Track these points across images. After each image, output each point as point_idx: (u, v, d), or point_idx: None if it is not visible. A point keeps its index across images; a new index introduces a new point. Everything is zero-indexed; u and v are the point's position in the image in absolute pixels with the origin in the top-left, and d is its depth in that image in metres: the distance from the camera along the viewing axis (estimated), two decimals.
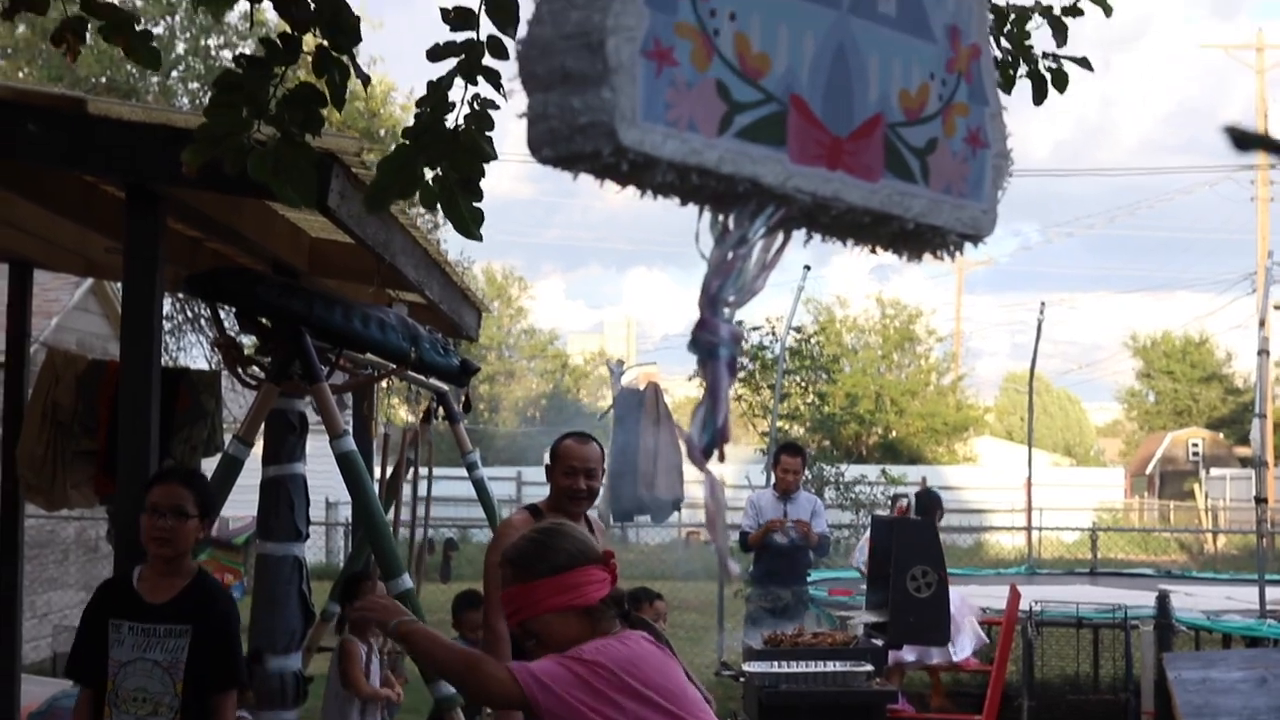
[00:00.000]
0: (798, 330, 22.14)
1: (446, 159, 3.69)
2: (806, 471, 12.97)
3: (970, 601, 9.45)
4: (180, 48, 22.89)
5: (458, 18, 3.77)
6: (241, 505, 14.66)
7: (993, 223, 2.10)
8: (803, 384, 23.64)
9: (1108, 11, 4.81)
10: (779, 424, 18.54)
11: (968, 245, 2.13)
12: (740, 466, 26.19)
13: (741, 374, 21.82)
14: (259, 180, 3.57)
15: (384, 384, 8.76)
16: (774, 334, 21.25)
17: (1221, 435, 52.66)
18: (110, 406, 8.11)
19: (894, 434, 44.78)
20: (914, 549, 7.28)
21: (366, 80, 3.63)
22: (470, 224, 3.73)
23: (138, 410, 5.15)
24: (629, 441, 11.02)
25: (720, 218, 1.89)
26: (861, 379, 43.46)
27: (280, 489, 6.60)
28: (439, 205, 3.71)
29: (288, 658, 6.66)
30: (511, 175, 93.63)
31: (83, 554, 17.54)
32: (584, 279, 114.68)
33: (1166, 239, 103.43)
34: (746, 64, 1.83)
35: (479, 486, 8.40)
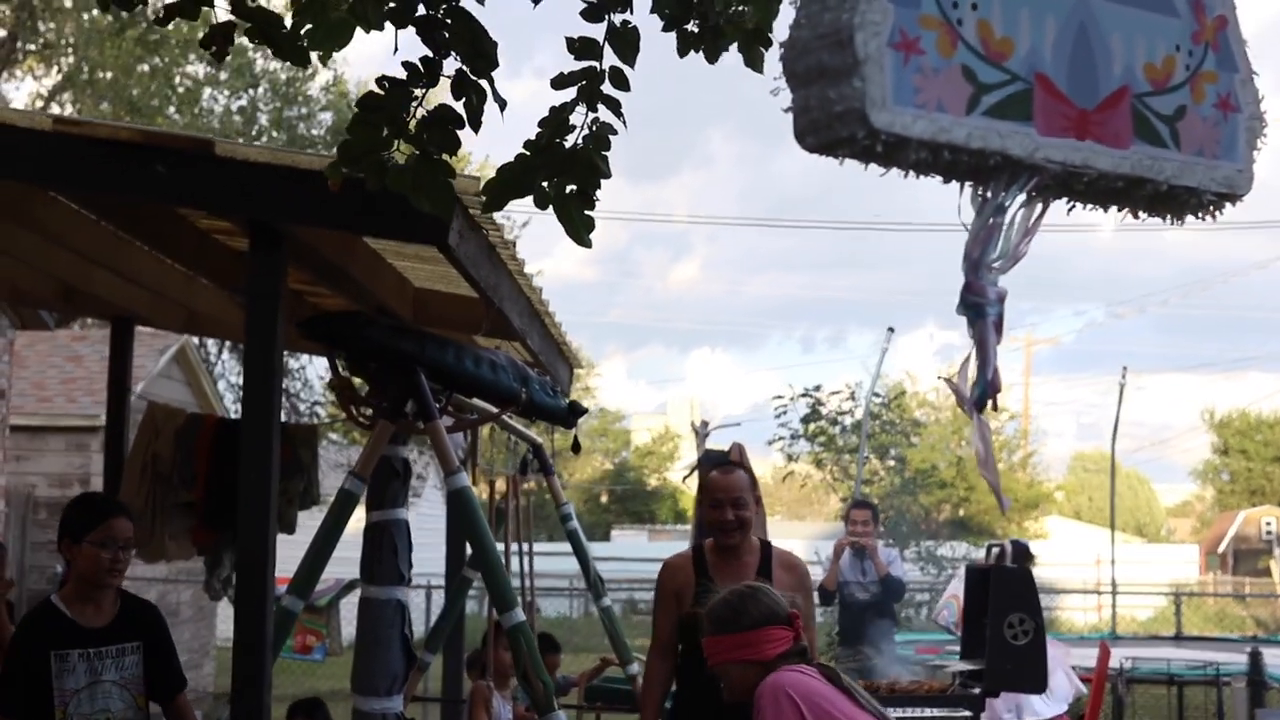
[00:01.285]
0: (878, 395, 22.17)
1: (563, 173, 3.83)
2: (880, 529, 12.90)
3: (1062, 651, 9.42)
4: (264, 119, 23.30)
5: (582, 47, 3.93)
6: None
7: (1249, 181, 2.20)
8: (881, 449, 23.62)
9: None
10: (862, 488, 18.52)
11: (1219, 208, 2.22)
12: (811, 542, 26.12)
13: (821, 438, 21.87)
14: (399, 191, 3.71)
15: (487, 433, 8.87)
16: (853, 398, 21.26)
17: None
18: (208, 459, 8.26)
19: (962, 511, 44.49)
20: (1011, 596, 7.25)
21: (503, 104, 3.75)
22: (581, 230, 3.87)
23: (259, 438, 5.23)
24: None
25: (979, 190, 2.01)
26: (931, 454, 43.28)
27: (384, 534, 6.70)
28: (553, 209, 3.85)
29: (390, 699, 6.72)
30: (574, 259, 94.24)
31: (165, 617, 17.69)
32: (646, 359, 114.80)
33: (1236, 318, 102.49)
34: (990, 48, 1.95)
35: (573, 537, 8.47)
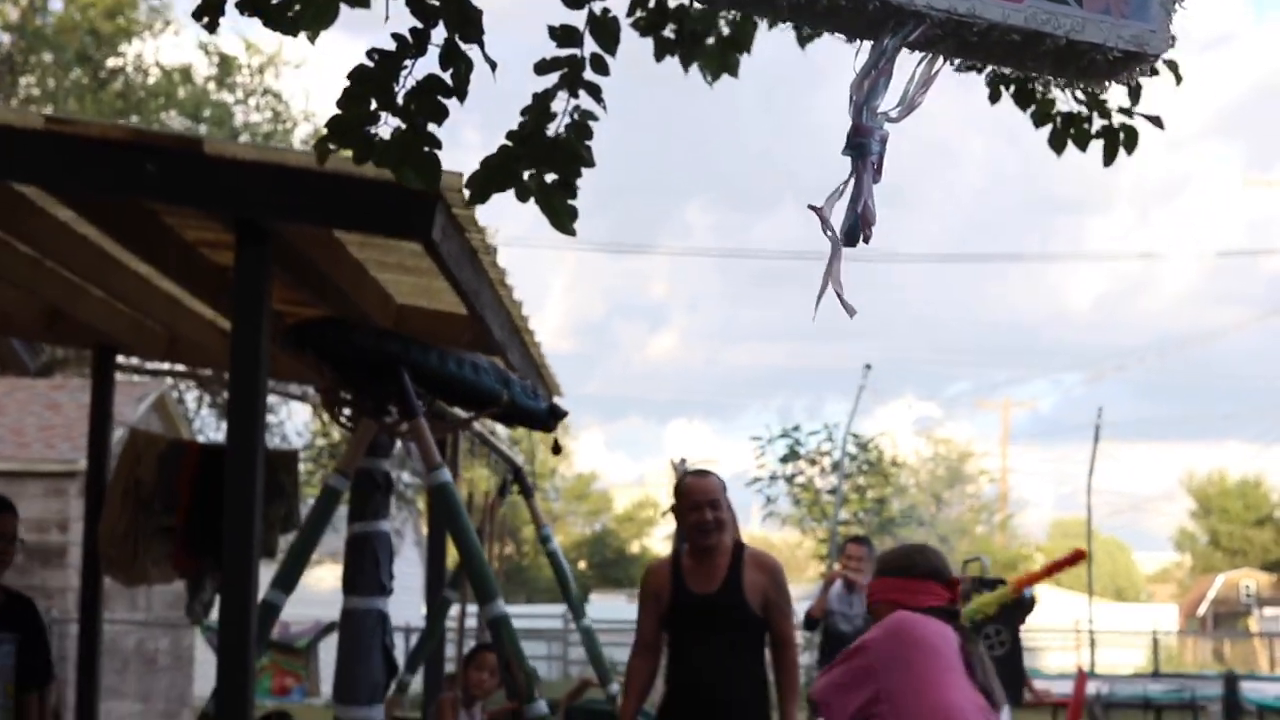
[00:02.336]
0: (856, 436, 22.26)
1: (546, 163, 3.94)
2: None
3: None
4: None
5: (563, 35, 4.05)
6: (303, 607, 14.76)
7: (1164, 42, 2.21)
8: (859, 490, 23.70)
9: (1178, 80, 4.99)
10: (839, 529, 18.58)
11: (1130, 70, 2.25)
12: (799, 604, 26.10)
13: (800, 479, 21.93)
14: (385, 166, 3.80)
15: (466, 445, 8.93)
16: (831, 438, 21.33)
17: (1278, 578, 52.13)
18: (190, 484, 8.31)
19: None
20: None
21: (494, 65, 3.85)
22: (564, 218, 3.97)
23: (245, 426, 5.32)
24: None
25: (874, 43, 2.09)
26: (918, 532, 43.36)
27: (366, 545, 6.76)
28: (535, 200, 3.95)
29: (371, 709, 6.76)
30: (551, 331, 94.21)
31: (141, 664, 17.65)
32: (625, 430, 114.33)
33: (1214, 386, 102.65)
34: None
35: (553, 559, 8.54)
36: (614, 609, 47.21)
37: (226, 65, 23.10)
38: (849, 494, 21.82)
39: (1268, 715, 10.94)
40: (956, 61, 2.16)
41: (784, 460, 21.72)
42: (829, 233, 2.06)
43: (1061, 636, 32.79)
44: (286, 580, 5.95)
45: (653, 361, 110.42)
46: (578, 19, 4.08)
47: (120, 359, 21.45)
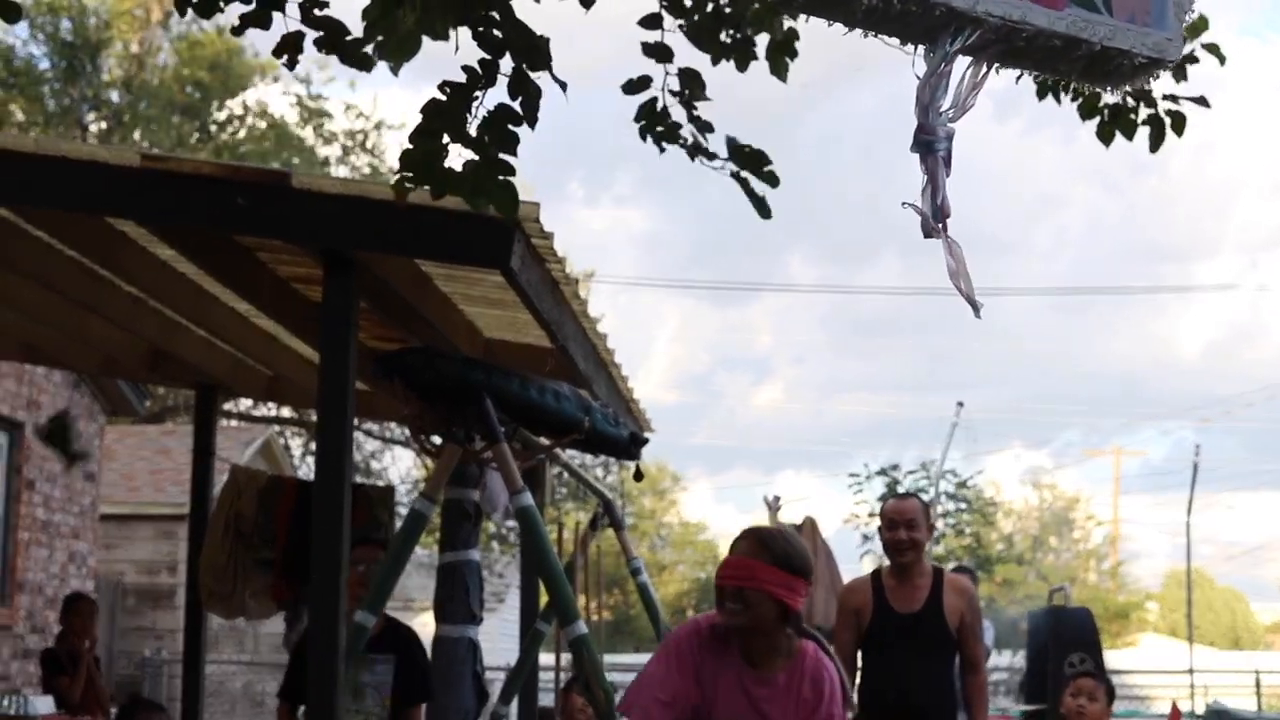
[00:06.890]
0: (953, 474, 22.17)
1: None
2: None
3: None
4: None
5: (658, 51, 4.27)
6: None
7: (1178, 50, 2.40)
8: (957, 528, 23.57)
9: (1221, 60, 5.14)
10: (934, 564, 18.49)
11: (1152, 74, 2.42)
12: None
13: None
14: (460, 196, 3.92)
15: (551, 478, 9.06)
16: (929, 477, 21.24)
17: None
18: (287, 518, 8.52)
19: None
20: (1072, 636, 7.37)
21: (564, 86, 3.97)
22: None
23: (334, 449, 5.47)
24: None
25: (931, 47, 2.26)
26: (1017, 570, 42.92)
27: (456, 574, 6.91)
28: None
29: None
30: (655, 383, 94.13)
31: (249, 706, 17.93)
32: (731, 482, 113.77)
33: None
34: None
35: (643, 591, 8.62)
36: None
37: (319, 119, 23.59)
38: (945, 532, 21.70)
39: None
40: (996, 67, 2.33)
41: (882, 499, 21.71)
42: (932, 229, 2.21)
43: (1174, 688, 32.26)
44: (375, 602, 6.10)
45: (758, 413, 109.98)
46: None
47: (229, 406, 21.84)
